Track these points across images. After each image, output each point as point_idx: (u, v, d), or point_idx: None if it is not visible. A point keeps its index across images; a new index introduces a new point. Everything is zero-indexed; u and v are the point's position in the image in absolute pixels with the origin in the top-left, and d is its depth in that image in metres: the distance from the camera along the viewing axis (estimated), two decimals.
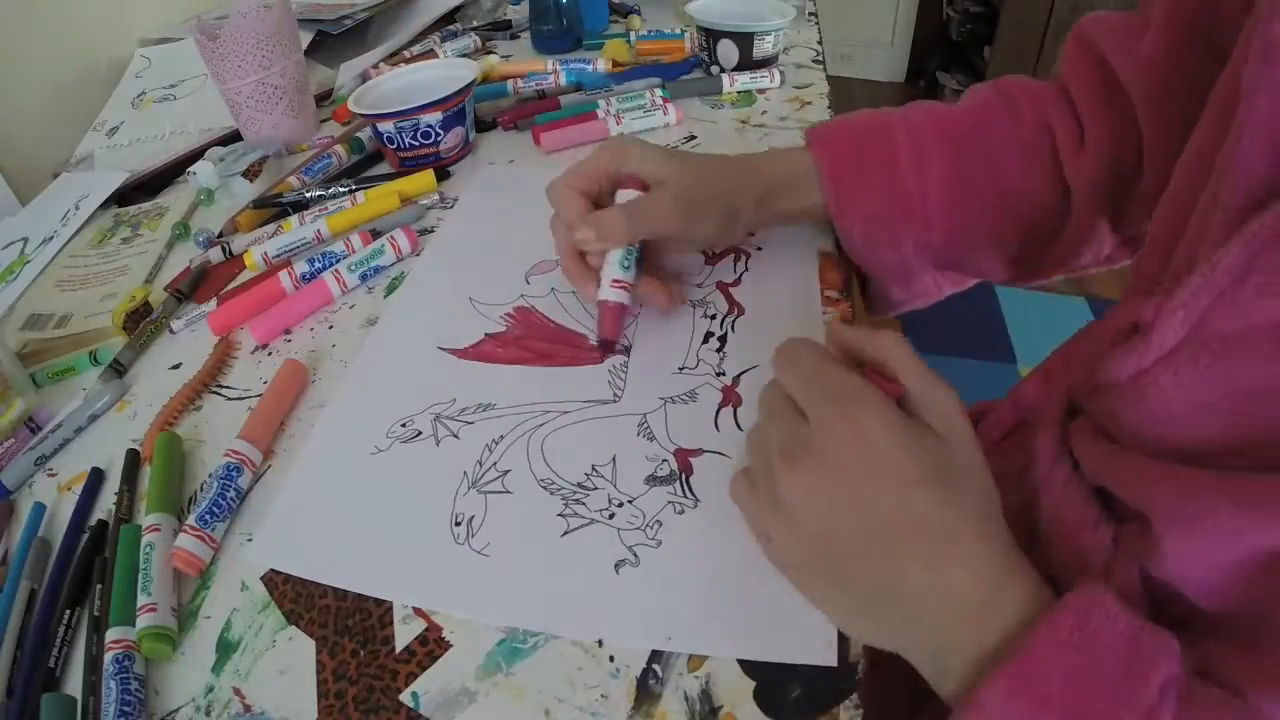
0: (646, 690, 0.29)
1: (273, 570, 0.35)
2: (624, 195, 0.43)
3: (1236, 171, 0.24)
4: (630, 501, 0.35)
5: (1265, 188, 0.23)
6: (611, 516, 0.35)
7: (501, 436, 0.39)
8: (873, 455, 0.27)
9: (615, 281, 0.42)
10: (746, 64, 0.72)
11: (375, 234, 0.55)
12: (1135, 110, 0.39)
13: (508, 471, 0.37)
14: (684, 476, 0.36)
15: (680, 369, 0.42)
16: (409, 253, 0.53)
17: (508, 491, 0.36)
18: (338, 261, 0.51)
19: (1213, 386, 0.24)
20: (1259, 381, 0.23)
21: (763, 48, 0.71)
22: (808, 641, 0.29)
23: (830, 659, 0.29)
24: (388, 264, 0.52)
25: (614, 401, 0.40)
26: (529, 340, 0.45)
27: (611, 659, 0.30)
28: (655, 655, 0.30)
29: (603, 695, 0.29)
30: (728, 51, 0.72)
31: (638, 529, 0.34)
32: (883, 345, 0.30)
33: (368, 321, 0.48)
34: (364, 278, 0.51)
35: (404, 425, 0.40)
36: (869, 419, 0.27)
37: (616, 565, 0.33)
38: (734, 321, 0.44)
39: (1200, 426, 0.25)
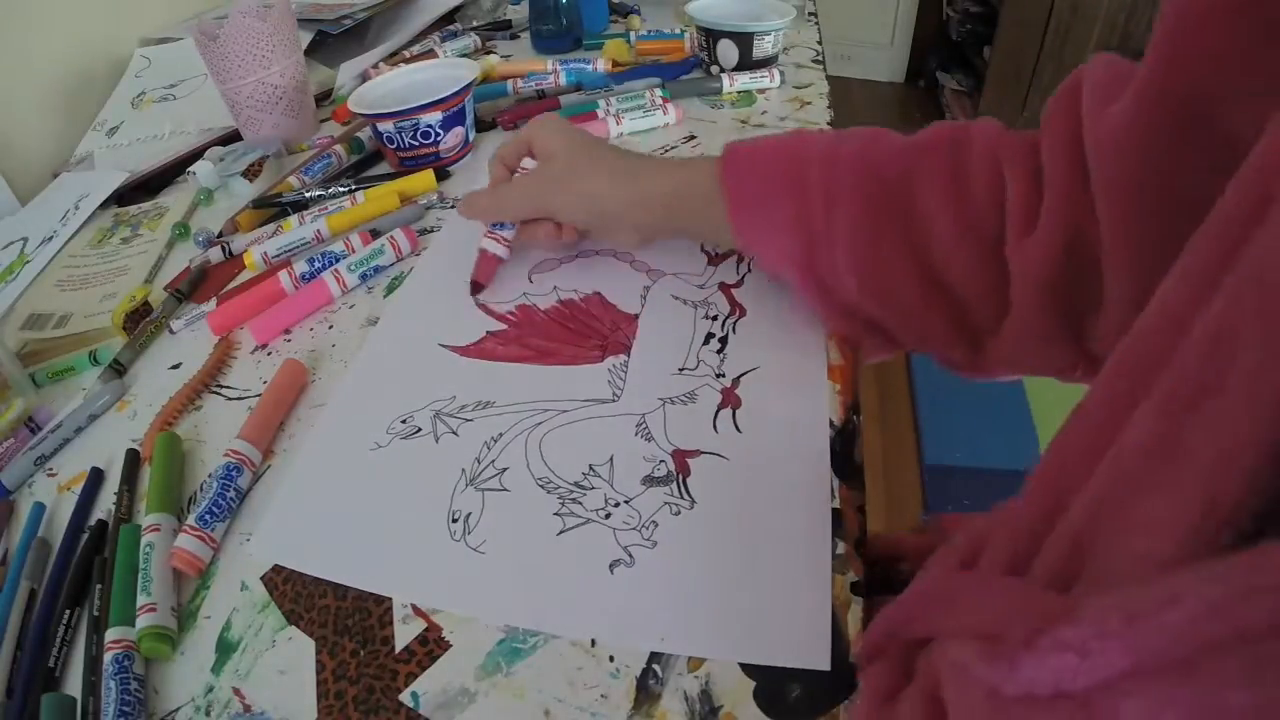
0: (646, 690, 0.29)
1: (272, 570, 0.35)
2: (526, 163, 0.49)
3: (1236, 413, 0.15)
4: (627, 502, 0.35)
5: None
6: (607, 516, 0.35)
7: (500, 434, 0.39)
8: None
9: (491, 234, 0.49)
10: (746, 64, 0.72)
11: (375, 234, 0.55)
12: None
13: (505, 469, 0.37)
14: (681, 478, 0.36)
15: (680, 370, 0.42)
16: (409, 252, 0.53)
17: (505, 490, 0.36)
18: (337, 261, 0.51)
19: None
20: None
21: (763, 48, 0.71)
22: (801, 646, 0.29)
23: (824, 664, 0.29)
24: (387, 264, 0.52)
25: (613, 401, 0.40)
26: (530, 338, 0.45)
27: (611, 659, 0.30)
28: (655, 655, 0.30)
29: (603, 695, 0.29)
30: (728, 51, 0.72)
31: (633, 529, 0.34)
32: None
33: (368, 321, 0.48)
34: (364, 277, 0.51)
35: (404, 421, 0.40)
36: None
37: (611, 565, 0.33)
38: (735, 323, 0.44)
39: None
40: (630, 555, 0.33)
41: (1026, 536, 0.22)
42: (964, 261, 0.35)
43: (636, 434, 0.38)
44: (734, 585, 0.31)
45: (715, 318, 0.45)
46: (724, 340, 0.43)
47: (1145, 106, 0.26)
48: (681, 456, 0.37)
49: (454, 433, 0.39)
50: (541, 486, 0.36)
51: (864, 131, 0.40)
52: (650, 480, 0.36)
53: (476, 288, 0.48)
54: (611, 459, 0.37)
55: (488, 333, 0.46)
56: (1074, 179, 0.31)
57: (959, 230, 0.35)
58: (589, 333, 0.45)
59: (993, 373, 0.40)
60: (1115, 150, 0.28)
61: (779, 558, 0.32)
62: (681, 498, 0.35)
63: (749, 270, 0.48)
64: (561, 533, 0.34)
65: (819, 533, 0.33)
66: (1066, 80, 0.33)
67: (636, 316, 0.45)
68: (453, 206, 0.59)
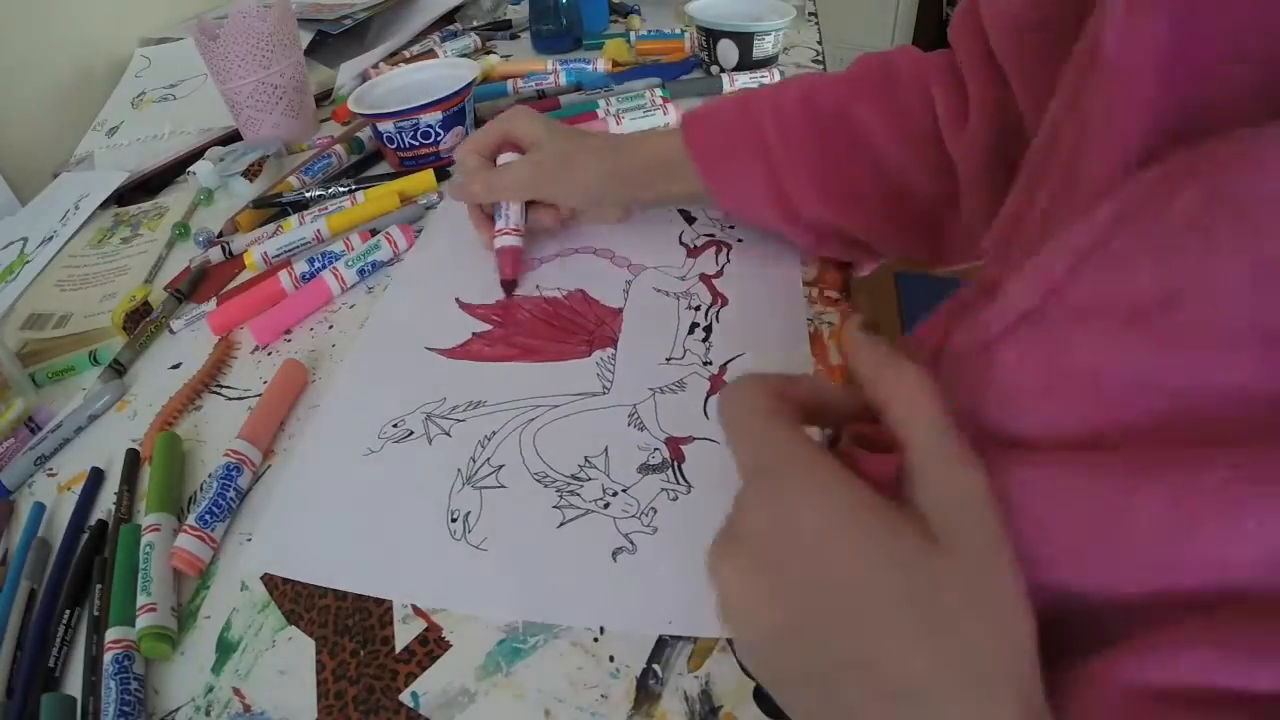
0: (646, 690, 0.29)
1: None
2: (505, 158, 0.49)
3: (1103, 139, 0.20)
4: (624, 490, 0.35)
5: (1137, 157, 0.19)
6: (606, 506, 0.35)
7: (494, 432, 0.39)
8: (807, 559, 0.19)
9: (503, 230, 0.49)
10: (746, 64, 0.72)
11: (375, 234, 0.55)
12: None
13: (501, 466, 0.37)
14: (676, 464, 0.36)
15: (667, 359, 0.42)
16: (405, 249, 0.53)
17: (502, 486, 0.36)
18: (336, 260, 0.51)
19: (1058, 368, 0.20)
20: (1102, 365, 0.19)
21: (763, 48, 0.71)
22: None
23: None
24: (385, 259, 0.52)
25: (603, 394, 0.40)
26: (516, 337, 0.45)
27: (611, 659, 0.30)
28: (655, 655, 0.30)
29: (603, 695, 0.29)
30: (728, 51, 0.72)
31: (633, 517, 0.34)
32: (889, 383, 0.21)
33: (368, 321, 0.48)
34: (361, 273, 0.51)
35: (395, 426, 0.40)
36: (803, 507, 0.20)
37: (614, 553, 0.33)
38: (718, 312, 0.45)
39: (1042, 415, 0.21)
40: (632, 542, 0.33)
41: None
42: (910, 163, 0.41)
43: (629, 424, 0.39)
44: None
45: (698, 308, 0.45)
46: (708, 329, 0.44)
47: None
48: (675, 443, 0.37)
49: (446, 434, 0.39)
50: (539, 481, 0.36)
51: (800, 78, 0.46)
52: (646, 468, 0.36)
53: (510, 286, 0.48)
54: (606, 450, 0.37)
55: (473, 334, 0.46)
56: (988, 68, 0.37)
57: (900, 138, 0.41)
58: (574, 329, 0.45)
59: (953, 261, 0.46)
60: (1011, 29, 0.34)
61: None
62: (678, 483, 0.35)
63: (728, 261, 0.49)
64: (562, 525, 0.34)
65: None
66: (961, 2, 0.40)
67: (620, 310, 0.46)
68: (430, 207, 0.59)
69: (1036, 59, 0.33)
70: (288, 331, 0.49)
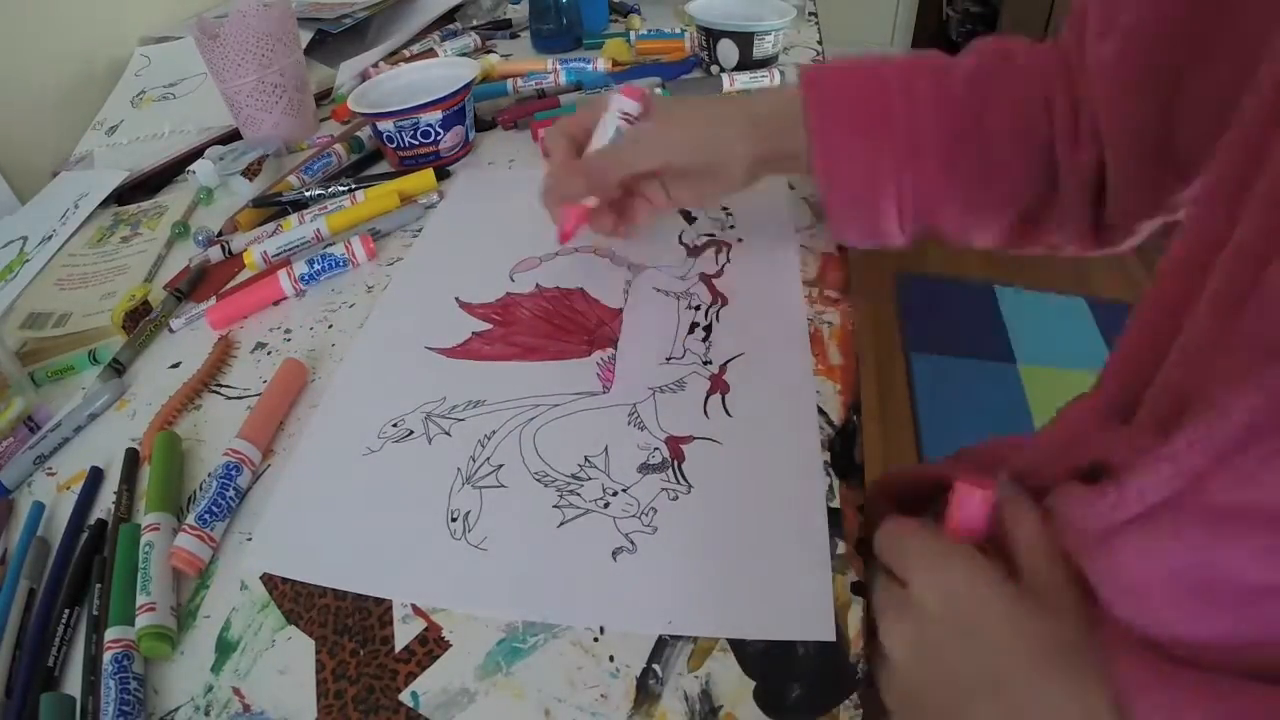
0: (646, 690, 0.29)
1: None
2: (597, 143, 0.45)
3: None
4: (624, 490, 0.35)
5: None
6: (606, 506, 0.35)
7: (493, 432, 0.39)
8: (961, 610, 0.26)
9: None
10: (746, 64, 0.72)
11: (375, 233, 0.55)
12: None
13: (501, 466, 0.37)
14: (676, 463, 0.36)
15: (668, 359, 0.42)
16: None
17: (502, 486, 0.36)
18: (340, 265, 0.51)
19: (1190, 569, 0.19)
20: (1248, 574, 0.18)
21: (763, 48, 0.71)
22: (806, 619, 0.30)
23: (829, 635, 0.29)
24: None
25: (603, 393, 0.40)
26: (516, 337, 0.45)
27: (611, 659, 0.30)
28: (655, 655, 0.30)
29: (603, 695, 0.29)
30: (728, 51, 0.72)
31: (633, 516, 0.34)
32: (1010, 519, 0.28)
33: (368, 321, 0.48)
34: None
35: (395, 425, 0.40)
36: (956, 573, 0.26)
37: (614, 553, 0.33)
38: (718, 311, 0.45)
39: (1167, 612, 0.21)
40: (632, 542, 0.33)
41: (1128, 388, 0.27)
42: (1026, 175, 0.41)
43: (629, 423, 0.39)
44: (735, 565, 0.32)
45: (698, 307, 0.45)
46: (708, 329, 0.44)
47: (1132, 47, 0.33)
48: (675, 443, 0.37)
49: (446, 433, 0.39)
50: (539, 480, 0.36)
51: (929, 62, 0.43)
52: (646, 468, 0.36)
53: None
54: (606, 449, 0.37)
55: (473, 333, 0.46)
56: (1108, 100, 0.37)
57: (1024, 151, 0.41)
58: (574, 328, 0.45)
59: (1028, 251, 0.46)
60: (1109, 74, 0.35)
61: (777, 536, 0.33)
62: (678, 483, 0.35)
63: (728, 260, 0.49)
64: (562, 524, 0.34)
65: (814, 510, 0.34)
66: (1073, 12, 0.40)
67: (620, 310, 0.46)
68: (430, 207, 0.59)
69: (1124, 112, 0.34)
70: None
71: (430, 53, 0.85)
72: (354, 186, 0.61)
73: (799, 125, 0.42)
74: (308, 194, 0.61)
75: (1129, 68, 0.34)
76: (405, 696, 0.29)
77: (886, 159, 0.41)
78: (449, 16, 0.98)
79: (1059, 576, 0.25)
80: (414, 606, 0.32)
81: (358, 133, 0.68)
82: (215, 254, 0.57)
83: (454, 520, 0.35)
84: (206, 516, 0.35)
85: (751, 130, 0.43)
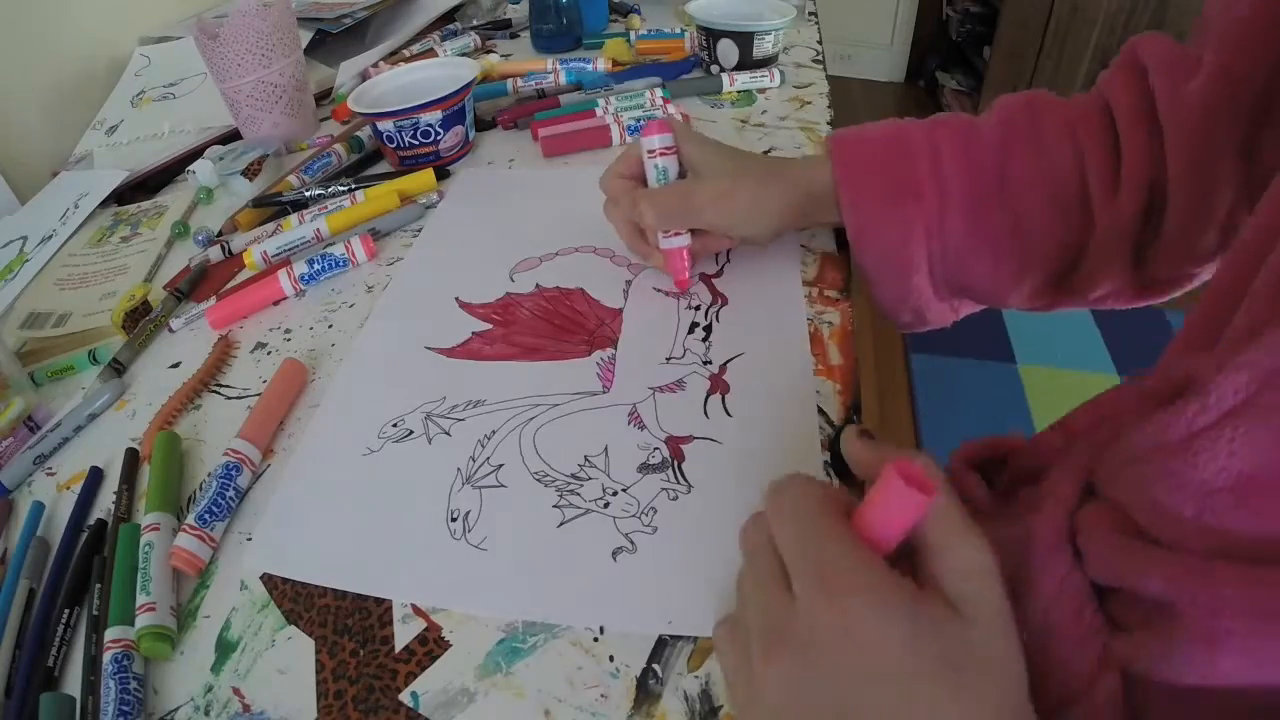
0: (646, 690, 0.29)
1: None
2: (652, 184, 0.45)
3: None
4: (624, 490, 0.35)
5: None
6: (606, 505, 0.35)
7: (493, 432, 0.39)
8: (862, 650, 0.22)
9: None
10: (746, 63, 0.72)
11: (375, 233, 0.55)
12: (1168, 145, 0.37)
13: (501, 466, 0.37)
14: (676, 463, 0.36)
15: (667, 359, 0.42)
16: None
17: (502, 486, 0.36)
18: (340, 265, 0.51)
19: (1272, 462, 0.21)
20: None
21: (763, 47, 0.71)
22: None
23: None
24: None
25: (603, 393, 0.40)
26: (516, 337, 0.45)
27: (611, 659, 0.30)
28: (655, 655, 0.30)
29: (603, 695, 0.29)
30: (728, 51, 0.72)
31: (633, 516, 0.34)
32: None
33: (368, 321, 0.48)
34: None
35: (395, 425, 0.40)
36: (855, 604, 0.22)
37: (614, 553, 0.33)
38: (718, 311, 0.45)
39: (1255, 510, 0.21)
40: (632, 542, 0.33)
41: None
42: (1058, 231, 0.41)
43: (629, 423, 0.39)
44: (735, 565, 0.32)
45: (698, 307, 0.45)
46: (708, 329, 0.44)
47: (1220, 84, 0.34)
48: (675, 443, 0.37)
49: (446, 433, 0.39)
50: (539, 480, 0.36)
51: (953, 124, 0.44)
52: (646, 468, 0.36)
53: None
54: (606, 449, 0.37)
55: (473, 333, 0.46)
56: (1151, 143, 0.38)
57: (1050, 209, 0.41)
58: (574, 328, 0.45)
59: (1058, 308, 0.46)
60: (1194, 117, 0.35)
61: None
62: (678, 483, 0.35)
63: (728, 261, 0.49)
64: (562, 524, 0.34)
65: None
66: (1120, 56, 0.40)
67: (620, 310, 0.46)
68: (430, 207, 0.59)
69: (1205, 150, 0.34)
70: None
71: (430, 53, 0.86)
72: (354, 186, 0.61)
73: (829, 202, 0.44)
74: (308, 194, 0.61)
75: (1218, 103, 0.34)
76: (405, 696, 0.29)
77: (918, 229, 0.42)
78: (449, 16, 0.98)
79: (992, 608, 0.23)
80: (414, 606, 0.32)
81: (358, 133, 0.68)
82: (215, 254, 0.57)
83: (454, 520, 0.35)
84: (206, 516, 0.35)
85: (803, 204, 0.45)
